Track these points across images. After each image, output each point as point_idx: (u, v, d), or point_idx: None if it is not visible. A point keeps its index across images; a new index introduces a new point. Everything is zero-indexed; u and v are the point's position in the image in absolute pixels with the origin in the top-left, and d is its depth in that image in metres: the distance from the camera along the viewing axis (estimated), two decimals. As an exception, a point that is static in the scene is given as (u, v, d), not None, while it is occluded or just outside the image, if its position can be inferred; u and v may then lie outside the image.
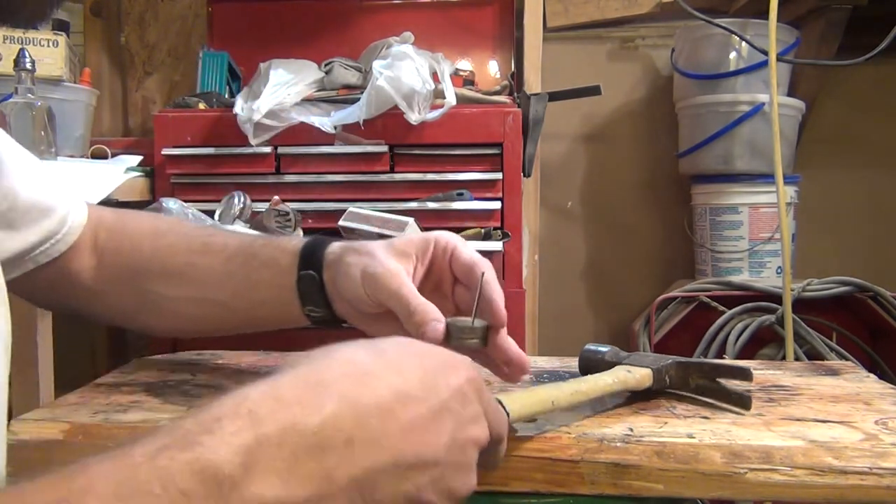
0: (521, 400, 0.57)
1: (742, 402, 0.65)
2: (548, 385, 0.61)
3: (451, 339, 0.63)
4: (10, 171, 0.71)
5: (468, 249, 0.70)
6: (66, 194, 0.79)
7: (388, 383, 0.43)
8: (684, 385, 0.70)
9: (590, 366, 0.74)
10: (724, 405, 0.67)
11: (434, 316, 0.63)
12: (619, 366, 0.69)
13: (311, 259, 0.73)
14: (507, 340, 0.67)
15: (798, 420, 0.63)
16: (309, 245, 0.75)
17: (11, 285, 0.67)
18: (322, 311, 0.74)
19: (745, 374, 0.66)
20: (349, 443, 0.39)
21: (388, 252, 0.69)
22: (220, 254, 0.77)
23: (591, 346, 0.77)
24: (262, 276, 0.75)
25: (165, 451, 0.35)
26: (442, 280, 0.71)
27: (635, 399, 0.69)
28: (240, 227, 1.41)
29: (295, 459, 0.38)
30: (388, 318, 0.67)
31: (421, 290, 0.67)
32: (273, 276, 0.75)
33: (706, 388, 0.69)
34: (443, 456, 0.44)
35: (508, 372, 0.68)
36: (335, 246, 0.73)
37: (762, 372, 0.81)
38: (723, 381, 0.68)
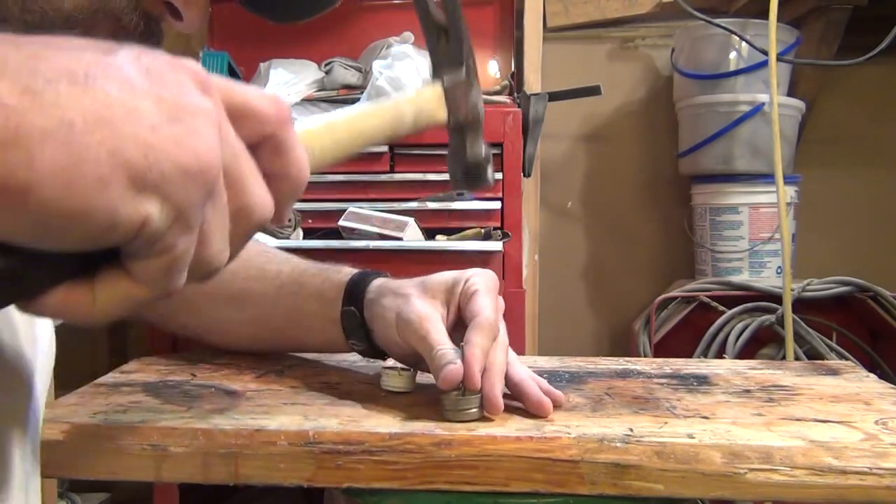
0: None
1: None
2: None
3: (449, 415, 0.64)
4: None
5: (483, 302, 0.70)
6: None
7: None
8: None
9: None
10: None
11: (450, 359, 0.64)
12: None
13: (353, 295, 0.77)
14: (522, 386, 0.68)
15: (798, 420, 0.63)
16: (353, 280, 0.79)
17: None
18: (363, 345, 0.78)
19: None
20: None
21: (422, 295, 0.72)
22: (274, 281, 0.83)
23: None
24: (310, 306, 0.80)
25: None
26: (466, 323, 0.71)
27: (635, 399, 0.69)
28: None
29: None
30: (420, 358, 0.70)
31: (454, 327, 0.71)
32: (320, 307, 0.79)
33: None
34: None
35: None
36: (375, 284, 0.77)
37: (762, 372, 0.81)
38: None
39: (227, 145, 0.36)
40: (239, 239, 0.39)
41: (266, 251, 0.90)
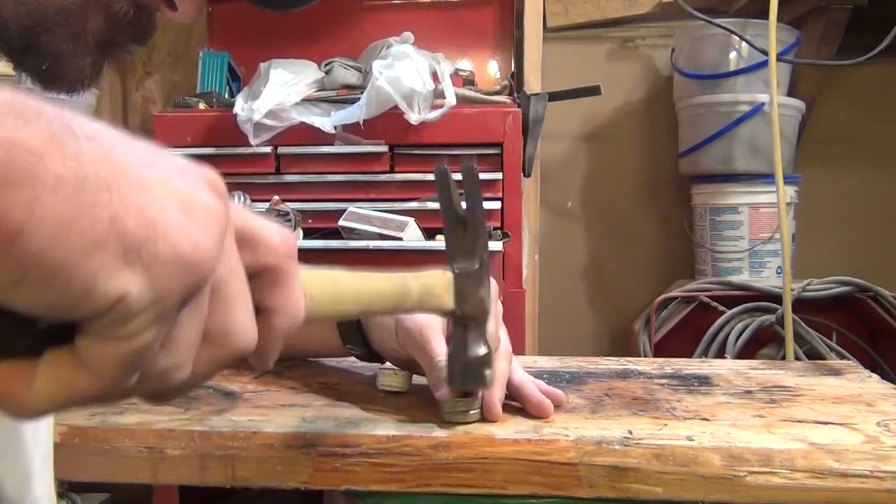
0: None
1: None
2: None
3: (448, 417, 0.64)
4: None
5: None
6: None
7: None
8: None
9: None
10: None
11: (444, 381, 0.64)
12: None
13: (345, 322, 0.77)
14: (522, 389, 0.68)
15: (799, 422, 0.63)
16: None
17: None
18: (361, 350, 0.78)
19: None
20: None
21: None
22: None
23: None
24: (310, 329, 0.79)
25: None
26: None
27: (635, 401, 0.69)
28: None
29: None
30: (418, 364, 0.70)
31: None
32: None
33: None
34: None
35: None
36: None
37: (764, 372, 0.81)
38: None
39: (226, 257, 0.35)
40: (207, 363, 0.37)
41: None
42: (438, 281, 0.58)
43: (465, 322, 0.62)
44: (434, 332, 0.69)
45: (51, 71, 0.51)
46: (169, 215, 0.31)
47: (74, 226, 0.29)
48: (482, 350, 0.62)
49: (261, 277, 0.39)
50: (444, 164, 0.61)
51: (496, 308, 0.71)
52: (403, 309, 0.57)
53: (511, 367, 0.69)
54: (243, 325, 0.37)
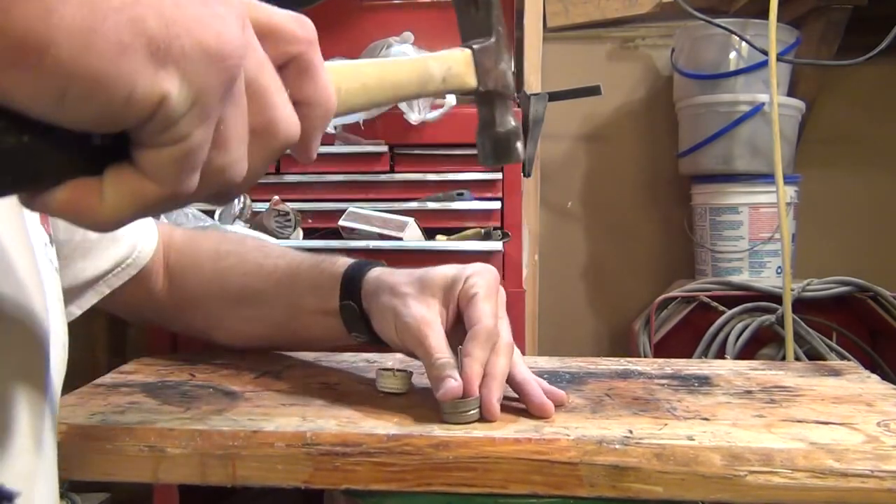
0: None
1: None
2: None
3: (448, 417, 0.64)
4: None
5: (482, 308, 0.68)
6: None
7: None
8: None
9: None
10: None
11: (448, 373, 0.64)
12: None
13: (350, 288, 0.77)
14: (524, 387, 0.67)
15: (799, 422, 0.63)
16: (349, 273, 0.78)
17: (96, 306, 0.76)
18: (366, 337, 0.78)
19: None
20: None
21: (420, 295, 0.71)
22: (271, 277, 0.82)
23: None
24: (307, 302, 0.80)
25: None
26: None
27: (635, 401, 0.69)
28: (240, 228, 1.41)
29: None
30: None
31: (453, 326, 0.70)
32: (318, 302, 0.79)
33: None
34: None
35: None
36: (372, 276, 0.76)
37: (764, 372, 0.81)
38: None
39: (251, 51, 0.35)
40: (260, 157, 0.38)
41: (262, 246, 0.90)
42: (459, 59, 0.58)
43: (490, 98, 0.61)
44: (433, 328, 0.68)
45: None
46: (186, 10, 0.31)
47: (97, 32, 0.29)
48: (511, 123, 0.61)
49: (288, 69, 0.39)
50: None
51: (498, 298, 0.71)
52: (429, 92, 0.57)
53: (513, 362, 0.69)
54: (284, 115, 0.38)
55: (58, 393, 0.56)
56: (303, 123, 0.40)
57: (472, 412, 0.64)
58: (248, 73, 0.35)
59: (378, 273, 0.77)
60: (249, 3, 0.37)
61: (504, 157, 0.64)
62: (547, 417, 0.64)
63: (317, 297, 0.79)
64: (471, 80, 0.58)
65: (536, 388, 0.67)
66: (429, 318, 0.69)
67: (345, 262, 0.80)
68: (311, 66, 0.40)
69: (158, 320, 0.91)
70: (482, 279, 0.71)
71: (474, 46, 0.59)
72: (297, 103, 0.40)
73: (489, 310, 0.68)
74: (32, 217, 0.59)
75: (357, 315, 0.76)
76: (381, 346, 0.78)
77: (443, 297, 0.71)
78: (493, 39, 0.60)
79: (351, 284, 0.77)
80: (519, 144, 0.62)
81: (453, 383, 0.64)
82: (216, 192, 0.37)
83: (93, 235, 0.76)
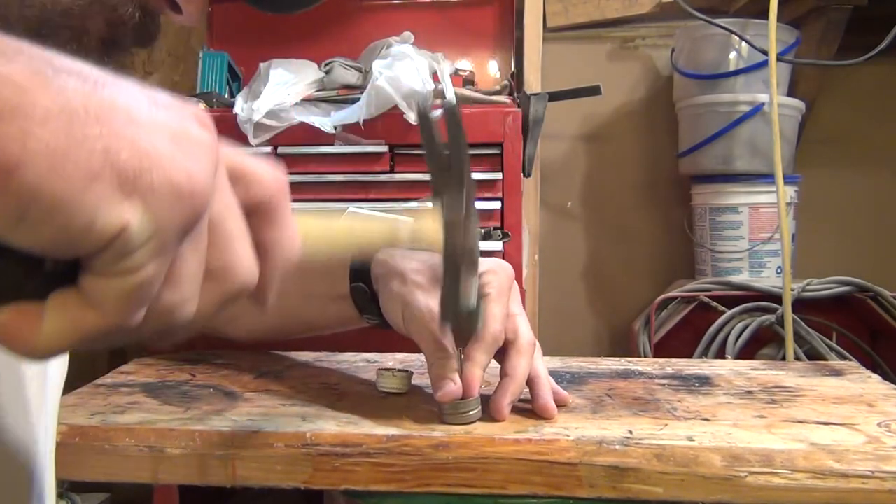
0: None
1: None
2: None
3: (447, 418, 0.64)
4: None
5: (491, 311, 0.68)
6: None
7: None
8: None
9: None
10: None
11: (448, 374, 0.65)
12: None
13: (359, 270, 0.77)
14: (534, 384, 0.68)
15: (800, 422, 0.63)
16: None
17: None
18: (378, 319, 0.78)
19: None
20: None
21: (430, 286, 0.70)
22: None
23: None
24: (319, 288, 0.80)
25: None
26: None
27: (635, 401, 0.69)
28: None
29: None
30: None
31: None
32: (328, 288, 0.79)
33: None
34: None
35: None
36: (381, 258, 0.76)
37: (765, 373, 0.81)
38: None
39: (220, 193, 0.35)
40: (212, 300, 0.37)
41: None
42: (428, 225, 0.58)
43: (456, 266, 0.61)
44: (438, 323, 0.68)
45: None
46: (161, 147, 0.31)
47: (69, 158, 0.29)
48: (472, 302, 0.61)
49: (255, 215, 0.39)
50: (425, 104, 0.61)
51: (511, 296, 0.71)
52: (395, 247, 0.56)
53: (532, 359, 0.69)
54: (243, 260, 0.37)
55: (57, 395, 0.56)
56: (261, 267, 0.39)
57: (471, 413, 0.64)
58: (213, 215, 0.35)
59: (388, 255, 0.76)
60: (229, 150, 0.37)
61: (464, 335, 0.65)
62: (549, 419, 0.65)
63: (327, 282, 0.80)
64: (437, 247, 0.58)
65: (546, 387, 0.67)
66: (435, 314, 0.69)
67: None
68: (278, 214, 0.40)
69: None
70: (496, 278, 0.70)
71: (444, 213, 0.59)
72: (259, 247, 0.39)
73: (499, 312, 0.68)
74: None
75: (368, 297, 0.77)
76: (392, 329, 0.78)
77: None
78: (462, 207, 0.61)
79: (360, 266, 0.77)
80: (479, 324, 0.63)
81: (453, 386, 0.64)
82: (160, 330, 0.36)
83: None
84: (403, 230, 0.55)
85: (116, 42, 0.53)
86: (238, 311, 0.82)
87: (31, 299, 0.32)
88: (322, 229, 0.50)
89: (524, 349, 0.67)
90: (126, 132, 0.31)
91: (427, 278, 0.72)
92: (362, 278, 0.77)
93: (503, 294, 0.70)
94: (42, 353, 0.33)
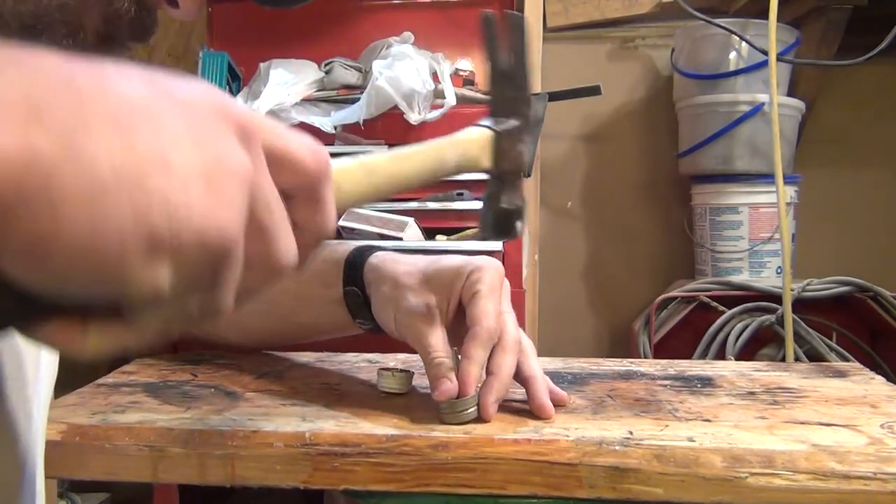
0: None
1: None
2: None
3: (445, 417, 0.64)
4: None
5: (484, 307, 0.68)
6: None
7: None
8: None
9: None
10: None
11: (444, 373, 0.65)
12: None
13: (352, 275, 0.77)
14: (529, 384, 0.68)
15: (802, 423, 0.63)
16: (350, 259, 0.78)
17: None
18: (370, 324, 0.77)
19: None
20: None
21: (420, 288, 0.71)
22: None
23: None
24: (312, 291, 0.80)
25: None
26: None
27: (637, 402, 0.69)
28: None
29: None
30: None
31: (454, 319, 0.70)
32: (322, 290, 0.79)
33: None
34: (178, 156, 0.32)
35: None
36: (373, 263, 0.76)
37: (767, 373, 0.80)
38: None
39: (261, 197, 0.35)
40: (254, 285, 0.38)
41: None
42: (476, 142, 0.58)
43: (501, 176, 0.61)
44: (432, 325, 0.68)
45: None
46: (192, 197, 0.31)
47: (98, 232, 0.29)
48: (517, 202, 0.61)
49: (296, 198, 0.39)
50: (488, 12, 0.60)
51: (502, 293, 0.70)
52: (441, 175, 0.56)
53: (526, 355, 0.68)
54: (286, 250, 0.38)
55: (48, 395, 0.56)
56: (297, 243, 0.39)
57: (469, 411, 0.64)
58: (257, 214, 0.35)
59: (379, 260, 0.76)
60: (268, 130, 0.37)
61: (503, 234, 0.65)
62: (546, 418, 0.64)
63: (321, 284, 0.79)
64: (485, 162, 0.58)
65: (541, 386, 0.67)
66: (428, 314, 0.69)
67: (346, 247, 0.80)
68: (317, 198, 0.40)
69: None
70: (486, 275, 0.70)
71: (497, 129, 0.59)
72: (296, 225, 0.39)
73: (492, 308, 0.68)
74: None
75: (360, 301, 0.76)
76: (385, 333, 0.78)
77: (444, 291, 0.71)
78: (517, 122, 0.60)
79: (353, 270, 0.77)
80: (519, 224, 0.62)
81: (449, 384, 0.64)
82: (201, 322, 0.37)
83: None
84: (450, 155, 0.55)
85: (113, 37, 0.52)
86: (234, 315, 0.82)
87: (72, 315, 0.33)
88: (363, 175, 0.50)
89: (509, 346, 0.67)
90: (156, 185, 0.30)
91: (418, 281, 0.72)
92: (355, 282, 0.76)
93: (495, 290, 0.70)
94: (92, 357, 0.34)
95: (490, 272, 0.71)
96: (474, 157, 0.57)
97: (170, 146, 0.31)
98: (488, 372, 0.66)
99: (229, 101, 0.35)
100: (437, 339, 0.67)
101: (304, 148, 0.39)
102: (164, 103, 0.32)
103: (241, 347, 0.89)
